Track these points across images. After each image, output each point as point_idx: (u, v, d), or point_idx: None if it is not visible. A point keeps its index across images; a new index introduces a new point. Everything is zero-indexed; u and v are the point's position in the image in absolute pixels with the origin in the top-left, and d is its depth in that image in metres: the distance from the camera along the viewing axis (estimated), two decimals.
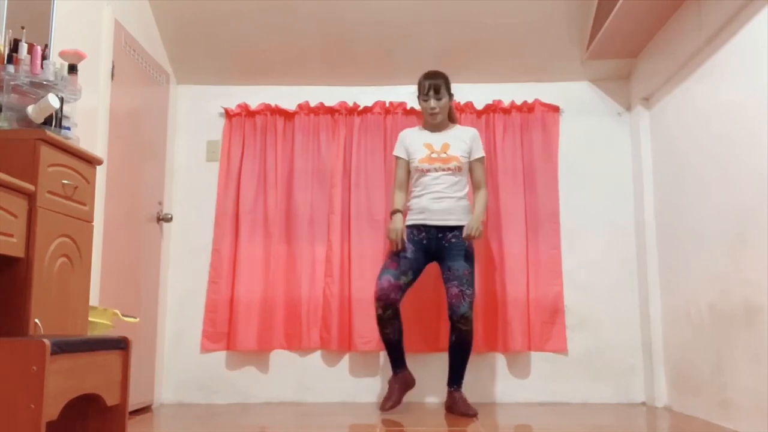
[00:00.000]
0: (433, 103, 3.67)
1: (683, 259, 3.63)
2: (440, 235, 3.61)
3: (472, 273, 3.61)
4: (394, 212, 3.68)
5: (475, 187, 3.75)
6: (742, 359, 3.00)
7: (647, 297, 3.99)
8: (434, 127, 3.76)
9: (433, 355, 3.95)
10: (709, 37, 3.25)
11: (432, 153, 3.67)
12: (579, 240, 4.19)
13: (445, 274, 3.60)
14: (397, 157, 3.78)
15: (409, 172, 3.75)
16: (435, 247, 3.62)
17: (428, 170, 3.65)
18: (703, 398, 3.38)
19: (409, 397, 3.76)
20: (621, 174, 4.25)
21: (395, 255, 3.60)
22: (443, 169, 3.64)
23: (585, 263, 4.17)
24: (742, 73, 3.03)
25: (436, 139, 3.72)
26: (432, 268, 3.74)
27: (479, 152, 3.74)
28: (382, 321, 3.57)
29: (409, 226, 3.65)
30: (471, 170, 3.74)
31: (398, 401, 3.61)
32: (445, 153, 3.67)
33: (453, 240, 3.60)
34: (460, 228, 3.61)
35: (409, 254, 3.60)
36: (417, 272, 3.64)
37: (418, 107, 3.94)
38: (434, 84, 3.67)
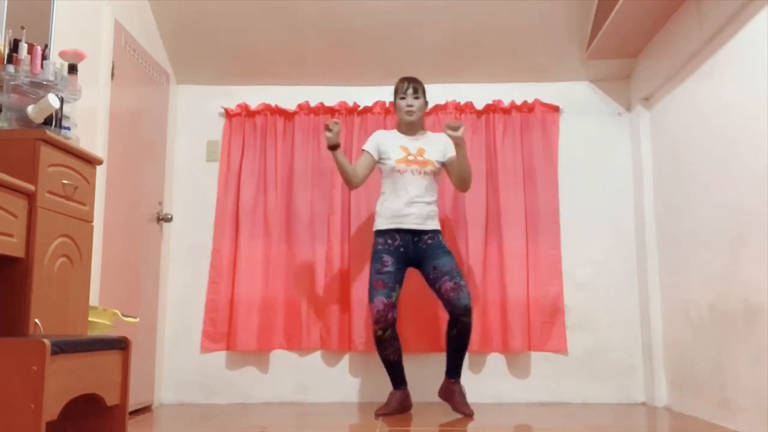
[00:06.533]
0: (410, 100, 3.67)
1: (683, 259, 3.63)
2: (416, 239, 3.57)
3: (458, 265, 3.58)
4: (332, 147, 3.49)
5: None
6: (742, 359, 3.00)
7: (647, 297, 3.99)
8: (408, 129, 3.73)
9: (433, 355, 3.95)
10: (709, 37, 3.25)
11: (408, 155, 3.65)
12: (579, 240, 4.19)
13: (432, 273, 3.54)
14: (364, 150, 3.72)
15: (370, 167, 3.68)
16: (412, 252, 3.57)
17: (404, 171, 3.61)
18: (703, 398, 3.38)
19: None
20: (621, 174, 4.25)
21: (378, 273, 3.52)
22: (420, 172, 3.61)
23: (585, 263, 4.16)
24: (742, 73, 3.03)
25: (411, 143, 3.69)
26: (413, 272, 3.67)
27: (453, 151, 3.64)
28: (382, 342, 3.51)
29: (382, 232, 3.59)
30: (450, 167, 3.68)
31: (394, 413, 3.53)
32: (421, 156, 3.65)
33: (429, 241, 3.57)
34: (433, 231, 3.59)
35: (390, 267, 3.52)
36: (401, 282, 3.57)
37: None
38: (413, 84, 3.68)
